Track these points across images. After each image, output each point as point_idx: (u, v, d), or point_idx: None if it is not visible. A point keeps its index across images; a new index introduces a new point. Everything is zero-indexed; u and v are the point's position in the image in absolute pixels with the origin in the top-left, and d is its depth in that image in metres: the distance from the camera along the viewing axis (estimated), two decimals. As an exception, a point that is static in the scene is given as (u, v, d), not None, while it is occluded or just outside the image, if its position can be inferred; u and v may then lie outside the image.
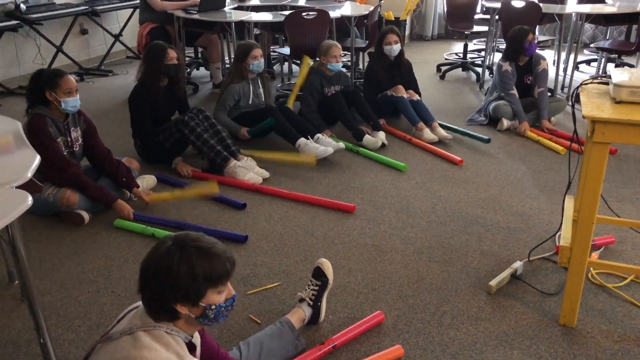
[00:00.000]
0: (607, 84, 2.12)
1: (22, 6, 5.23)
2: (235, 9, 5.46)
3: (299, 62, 5.25)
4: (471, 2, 6.19)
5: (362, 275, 2.54)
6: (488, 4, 5.53)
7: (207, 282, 1.41)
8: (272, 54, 6.24)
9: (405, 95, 4.33)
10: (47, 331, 1.84)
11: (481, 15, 6.23)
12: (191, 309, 1.43)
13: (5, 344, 2.12)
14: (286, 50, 5.07)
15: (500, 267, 2.55)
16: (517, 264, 2.50)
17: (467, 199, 3.27)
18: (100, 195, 2.99)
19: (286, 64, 6.25)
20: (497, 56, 5.47)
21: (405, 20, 6.30)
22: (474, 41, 7.38)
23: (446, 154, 3.86)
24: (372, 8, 5.22)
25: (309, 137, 3.82)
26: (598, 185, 1.95)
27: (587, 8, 5.03)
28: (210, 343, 1.75)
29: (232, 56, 4.62)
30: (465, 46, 6.27)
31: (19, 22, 5.12)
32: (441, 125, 4.23)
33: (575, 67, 5.38)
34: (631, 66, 6.04)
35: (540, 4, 5.04)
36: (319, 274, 2.19)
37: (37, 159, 1.80)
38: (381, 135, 4.08)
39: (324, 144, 3.79)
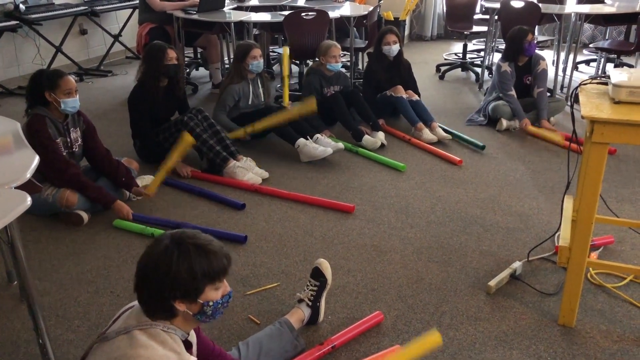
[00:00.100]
0: (606, 84, 2.12)
1: (22, 6, 5.23)
2: (234, 9, 5.45)
3: (298, 62, 5.25)
4: (470, 3, 6.19)
5: (361, 275, 2.54)
6: (487, 4, 5.53)
7: (205, 279, 1.42)
8: (271, 54, 6.24)
9: (404, 96, 4.33)
10: (46, 331, 1.85)
11: (480, 16, 6.23)
12: (189, 306, 1.44)
13: (4, 344, 2.12)
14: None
15: (500, 267, 2.56)
16: (517, 264, 2.50)
17: (466, 199, 3.27)
18: (100, 196, 2.99)
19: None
20: (497, 56, 5.48)
21: (404, 21, 6.32)
22: (474, 41, 7.39)
23: (445, 154, 3.85)
24: (371, 8, 5.22)
25: (308, 137, 3.82)
26: (597, 185, 1.95)
27: (587, 8, 5.04)
28: (205, 341, 1.75)
29: (232, 56, 4.62)
30: (465, 46, 6.26)
31: (18, 22, 5.11)
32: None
33: (575, 67, 5.39)
34: (630, 66, 6.04)
35: (540, 4, 5.04)
36: (317, 274, 2.19)
37: (36, 159, 1.80)
38: (380, 135, 4.08)
39: (323, 144, 3.79)
